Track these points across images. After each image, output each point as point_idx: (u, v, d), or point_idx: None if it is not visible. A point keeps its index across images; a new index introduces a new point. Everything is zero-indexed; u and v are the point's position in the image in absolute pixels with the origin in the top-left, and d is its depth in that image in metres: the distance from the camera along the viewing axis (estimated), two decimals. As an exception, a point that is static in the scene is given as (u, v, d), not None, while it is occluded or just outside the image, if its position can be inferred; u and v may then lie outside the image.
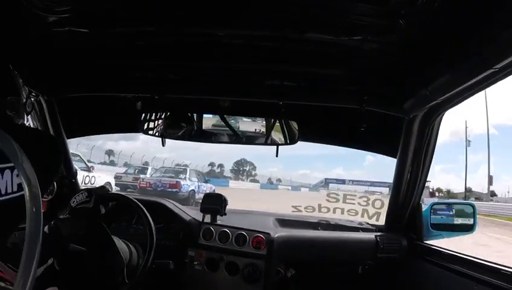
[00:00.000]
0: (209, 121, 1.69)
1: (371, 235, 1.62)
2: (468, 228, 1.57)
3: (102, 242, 1.23)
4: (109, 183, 9.84)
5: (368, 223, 1.87)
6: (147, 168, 15.67)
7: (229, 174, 38.20)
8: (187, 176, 12.36)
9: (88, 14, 0.98)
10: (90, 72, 1.39)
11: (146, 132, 1.64)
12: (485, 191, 26.15)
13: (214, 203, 1.65)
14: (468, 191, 26.45)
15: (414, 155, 1.46)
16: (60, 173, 1.64)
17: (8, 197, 0.59)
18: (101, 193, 1.26)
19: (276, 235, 1.54)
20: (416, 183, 1.51)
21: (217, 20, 1.02)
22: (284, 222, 1.81)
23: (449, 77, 1.00)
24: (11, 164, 0.55)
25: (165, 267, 1.47)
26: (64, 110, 1.59)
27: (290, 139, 1.62)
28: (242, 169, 42.80)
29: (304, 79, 1.38)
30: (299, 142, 1.60)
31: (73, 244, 1.16)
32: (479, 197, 25.40)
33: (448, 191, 30.77)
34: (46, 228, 1.09)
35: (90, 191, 1.23)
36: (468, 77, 0.93)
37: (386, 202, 1.70)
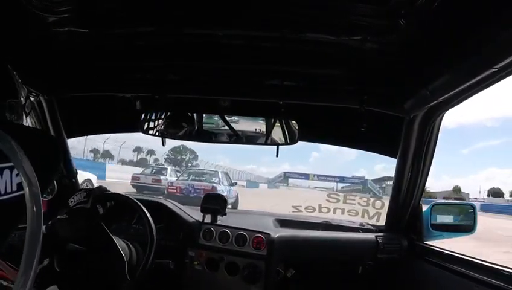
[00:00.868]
0: (209, 122, 1.70)
1: (371, 236, 1.62)
2: (469, 229, 1.56)
3: (103, 242, 1.23)
4: (89, 180, 9.26)
5: (368, 224, 1.86)
6: (166, 169, 14.98)
7: (164, 164, 27.34)
8: (220, 179, 11.56)
9: (88, 14, 0.99)
10: (90, 72, 1.39)
11: (146, 132, 1.64)
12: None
13: (214, 204, 1.65)
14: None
15: (414, 155, 1.46)
16: (59, 172, 1.65)
17: (7, 196, 0.59)
18: (98, 193, 1.26)
19: (276, 236, 1.54)
20: (416, 183, 1.50)
21: (217, 21, 1.02)
22: (284, 222, 1.81)
23: (449, 77, 1.00)
24: (11, 164, 0.55)
25: (165, 267, 1.48)
26: (64, 110, 1.60)
27: (290, 139, 1.63)
28: (180, 158, 33.09)
29: (303, 79, 1.38)
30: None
31: (73, 244, 1.16)
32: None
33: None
34: (43, 228, 1.09)
35: (88, 191, 1.23)
36: (468, 77, 0.93)
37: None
